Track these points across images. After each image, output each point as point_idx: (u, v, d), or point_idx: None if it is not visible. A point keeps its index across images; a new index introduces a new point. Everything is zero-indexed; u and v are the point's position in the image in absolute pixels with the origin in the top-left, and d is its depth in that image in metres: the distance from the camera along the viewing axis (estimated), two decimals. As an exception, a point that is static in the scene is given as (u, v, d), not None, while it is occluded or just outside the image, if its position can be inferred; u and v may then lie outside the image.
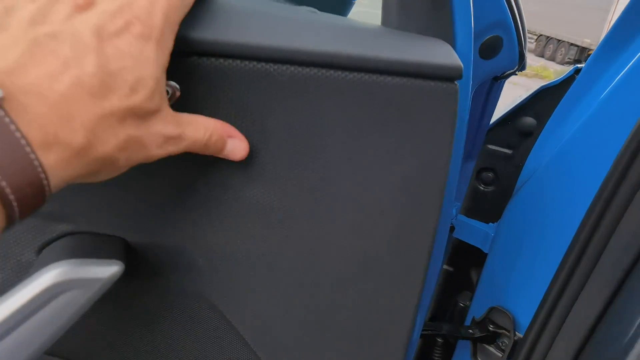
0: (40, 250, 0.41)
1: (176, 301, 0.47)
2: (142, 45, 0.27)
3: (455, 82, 0.39)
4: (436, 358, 0.79)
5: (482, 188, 0.75)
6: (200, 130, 0.33)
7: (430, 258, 0.47)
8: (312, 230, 0.43)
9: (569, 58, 12.28)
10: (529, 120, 0.69)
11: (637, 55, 0.51)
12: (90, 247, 0.40)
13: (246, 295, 0.45)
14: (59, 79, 0.24)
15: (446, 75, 0.38)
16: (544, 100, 0.67)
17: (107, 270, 0.38)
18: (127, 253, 0.41)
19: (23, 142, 0.23)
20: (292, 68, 0.36)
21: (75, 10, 0.26)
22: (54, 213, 0.39)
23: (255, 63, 0.36)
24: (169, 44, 0.30)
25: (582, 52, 11.91)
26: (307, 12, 0.42)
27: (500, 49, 0.51)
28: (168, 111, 0.31)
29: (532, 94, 0.68)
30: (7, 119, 0.22)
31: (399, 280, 0.47)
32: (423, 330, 0.65)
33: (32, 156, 0.24)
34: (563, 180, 0.56)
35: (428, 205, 0.44)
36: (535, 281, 0.60)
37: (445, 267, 0.83)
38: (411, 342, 0.57)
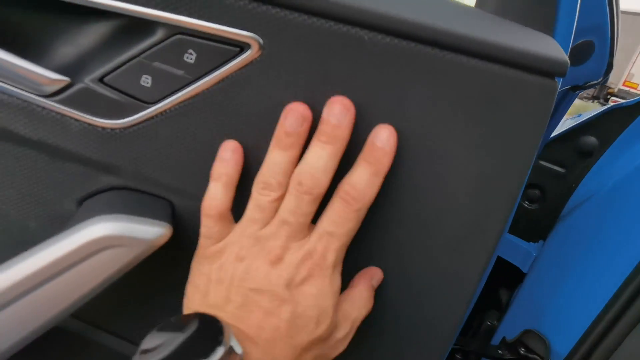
0: (81, 201, 0.38)
1: None
2: (321, 284, 0.34)
3: (556, 79, 0.36)
4: (453, 375, 0.76)
5: (526, 205, 0.71)
6: (363, 303, 0.38)
7: (488, 264, 0.43)
8: (381, 204, 0.39)
9: (587, 94, 12.21)
10: (591, 140, 0.65)
11: None
12: (137, 205, 0.36)
13: None
14: (263, 328, 0.32)
15: (549, 70, 0.35)
16: (611, 121, 0.63)
17: (155, 231, 0.35)
18: (174, 219, 0.38)
19: None
20: (388, 39, 0.33)
21: (270, 266, 0.33)
22: (100, 162, 0.36)
23: (349, 27, 0.33)
24: (339, 270, 0.36)
25: (602, 90, 11.84)
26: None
27: (590, 55, 0.47)
28: (340, 318, 0.36)
29: (600, 112, 0.65)
30: None
31: (455, 276, 0.44)
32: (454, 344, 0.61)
33: None
34: (629, 208, 0.53)
35: (499, 206, 0.40)
36: (578, 309, 0.56)
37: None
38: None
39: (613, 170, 0.57)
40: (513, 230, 0.72)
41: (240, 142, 0.36)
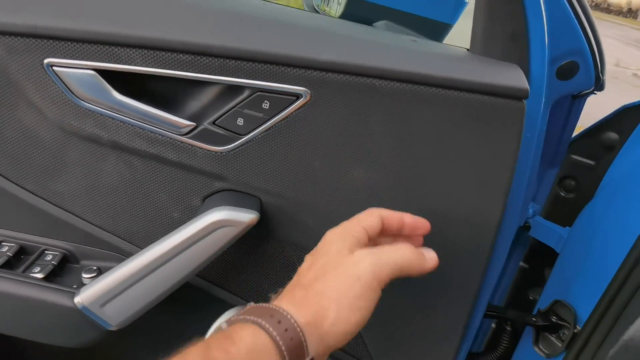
0: (204, 198, 0.58)
1: (286, 250, 0.62)
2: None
3: (523, 101, 0.49)
4: (504, 343, 0.87)
5: (563, 194, 0.81)
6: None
7: (493, 246, 0.57)
8: (398, 205, 0.55)
9: None
10: (612, 135, 0.73)
11: None
12: (237, 200, 0.56)
13: None
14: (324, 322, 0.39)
15: (514, 95, 0.49)
16: (627, 118, 0.71)
17: (249, 217, 0.54)
18: (261, 209, 0.57)
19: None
20: (394, 84, 0.49)
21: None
22: (215, 174, 0.56)
23: (365, 79, 0.49)
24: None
25: None
26: (409, 41, 0.55)
27: (577, 72, 0.58)
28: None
29: (616, 111, 0.73)
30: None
31: (464, 258, 0.58)
32: (488, 310, 0.74)
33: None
34: (630, 193, 0.62)
35: (493, 199, 0.54)
36: (598, 280, 0.66)
37: (521, 264, 0.90)
38: (473, 322, 0.67)
39: (627, 162, 0.66)
40: (552, 217, 0.82)
41: (301, 158, 0.54)
